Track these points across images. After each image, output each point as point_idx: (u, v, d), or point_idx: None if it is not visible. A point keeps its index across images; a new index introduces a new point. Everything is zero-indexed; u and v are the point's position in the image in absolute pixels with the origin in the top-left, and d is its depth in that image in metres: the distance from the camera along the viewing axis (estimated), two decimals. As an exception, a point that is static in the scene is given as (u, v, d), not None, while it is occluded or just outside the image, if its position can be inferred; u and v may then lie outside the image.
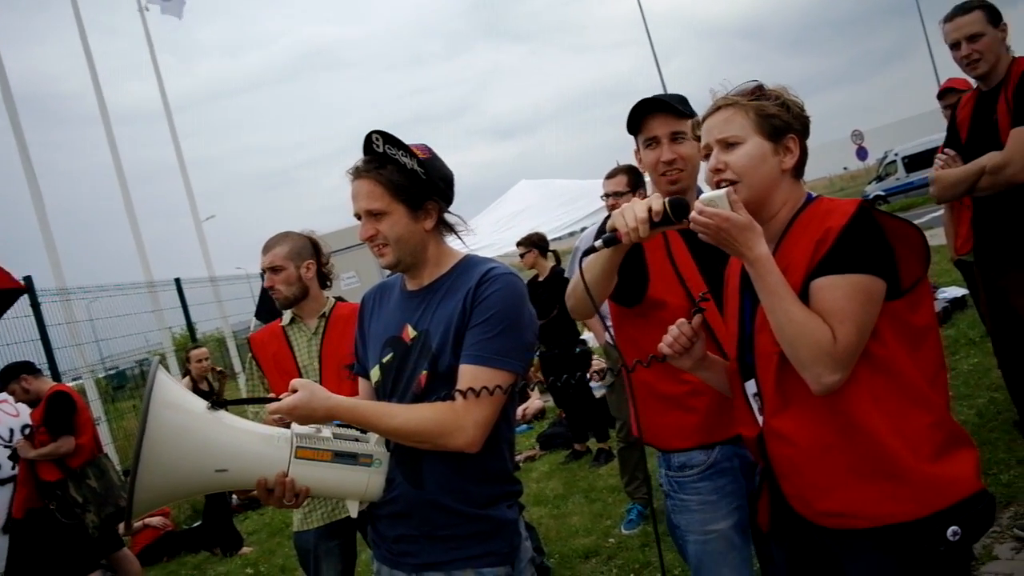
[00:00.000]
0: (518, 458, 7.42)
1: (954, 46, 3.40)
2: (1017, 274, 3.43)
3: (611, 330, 2.49)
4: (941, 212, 5.34)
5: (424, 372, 2.02)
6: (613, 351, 3.41)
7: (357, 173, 2.07)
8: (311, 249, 3.35)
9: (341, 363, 3.11)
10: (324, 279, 3.39)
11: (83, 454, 5.63)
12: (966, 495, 1.69)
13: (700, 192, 2.41)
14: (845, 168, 52.97)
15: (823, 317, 1.67)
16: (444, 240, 2.16)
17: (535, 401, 9.37)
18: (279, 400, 1.92)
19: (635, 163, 2.62)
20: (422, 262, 2.12)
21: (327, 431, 2.00)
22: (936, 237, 10.35)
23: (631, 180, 4.55)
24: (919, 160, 25.99)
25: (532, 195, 17.56)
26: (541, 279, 7.05)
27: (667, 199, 1.80)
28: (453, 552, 2.01)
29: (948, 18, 3.42)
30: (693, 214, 1.73)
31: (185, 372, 7.31)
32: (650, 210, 1.81)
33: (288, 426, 1.99)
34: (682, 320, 1.95)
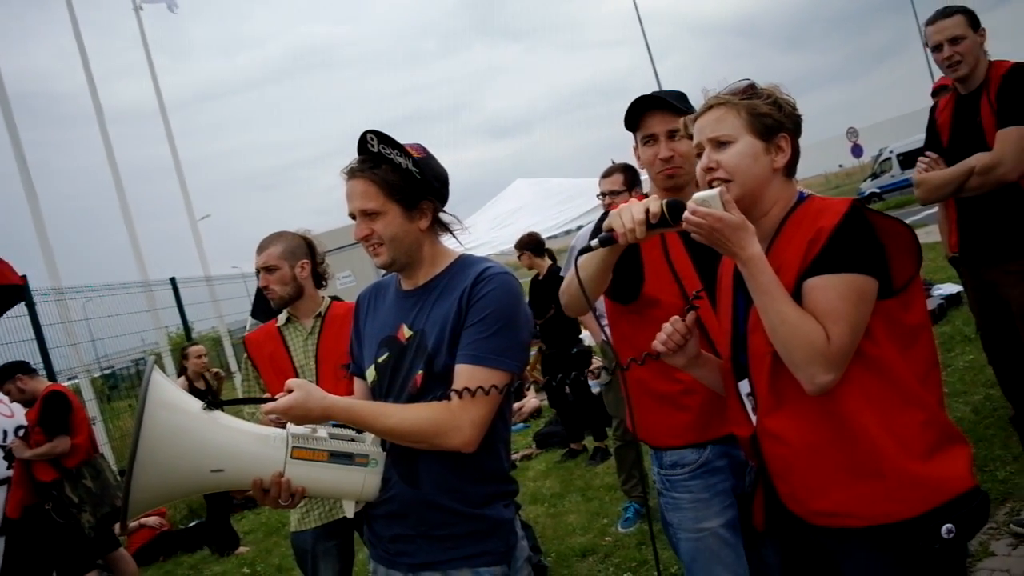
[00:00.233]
0: (514, 457, 7.42)
1: (936, 48, 3.49)
2: (1005, 266, 3.48)
3: (606, 328, 2.49)
4: (936, 209, 5.34)
5: (420, 372, 2.02)
6: (609, 349, 3.42)
7: (352, 173, 2.06)
8: (306, 249, 3.34)
9: (337, 363, 3.10)
10: (319, 279, 3.38)
11: (79, 454, 5.62)
12: (959, 493, 1.70)
13: None
14: (840, 165, 53.07)
15: (816, 317, 1.67)
16: (439, 240, 2.16)
17: (531, 400, 9.37)
18: (275, 400, 1.92)
19: (631, 160, 2.62)
20: (417, 262, 2.11)
21: (323, 431, 2.00)
22: (931, 234, 10.36)
23: (627, 179, 4.55)
24: (914, 157, 25.89)
25: (528, 193, 17.53)
26: (541, 278, 7.06)
27: (665, 201, 1.80)
28: (449, 551, 2.01)
29: (931, 21, 3.53)
30: (686, 214, 1.73)
31: (181, 371, 7.27)
32: (647, 212, 1.81)
33: (284, 426, 1.98)
34: (675, 318, 1.95)
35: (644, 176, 4.63)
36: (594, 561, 4.72)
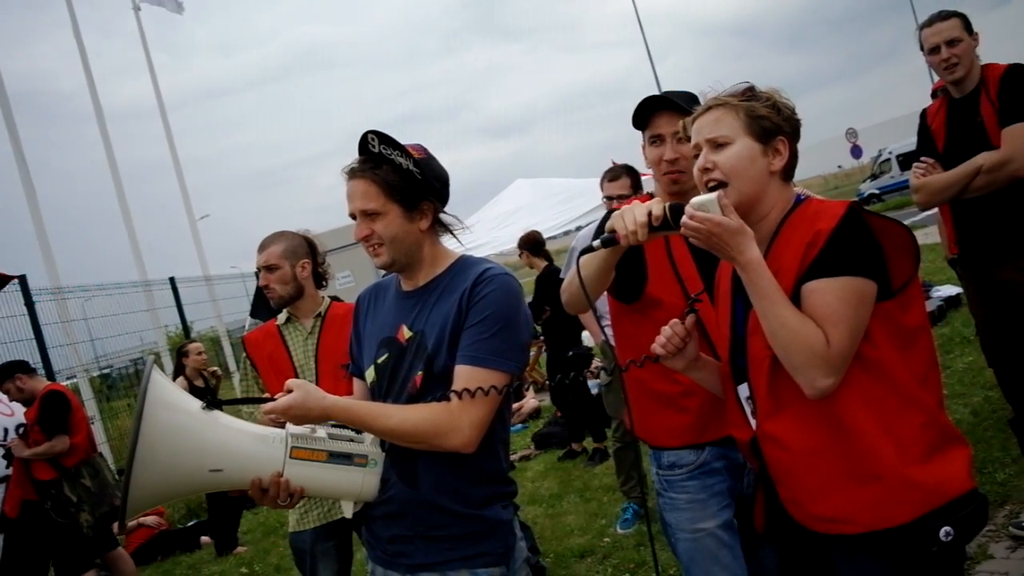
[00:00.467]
0: (513, 457, 7.42)
1: (933, 50, 3.51)
2: (1018, 263, 3.48)
3: (607, 329, 2.49)
4: (935, 211, 5.34)
5: (420, 373, 2.02)
6: (609, 350, 3.43)
7: (352, 173, 2.06)
8: (307, 248, 3.34)
9: (337, 363, 3.10)
10: (320, 278, 3.38)
11: (77, 453, 5.62)
12: (957, 495, 1.69)
13: None
14: (839, 166, 53.09)
15: (815, 321, 1.67)
16: (440, 240, 2.16)
17: (530, 400, 9.38)
18: (274, 400, 1.92)
19: (634, 159, 2.63)
20: (417, 262, 2.11)
21: (322, 431, 2.00)
22: (930, 235, 10.37)
23: (634, 181, 4.55)
24: (914, 158, 25.99)
25: (528, 194, 17.51)
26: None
27: (667, 204, 1.80)
28: (448, 552, 2.01)
29: (927, 24, 3.55)
30: (684, 219, 1.73)
31: (178, 371, 7.26)
32: (650, 214, 1.81)
33: (283, 426, 1.98)
34: (675, 321, 1.95)
35: (644, 177, 4.65)
36: (592, 562, 4.71)
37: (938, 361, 1.84)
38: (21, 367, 5.83)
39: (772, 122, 1.82)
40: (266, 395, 2.95)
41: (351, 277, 9.15)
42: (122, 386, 14.27)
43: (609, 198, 4.58)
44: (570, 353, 6.91)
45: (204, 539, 7.72)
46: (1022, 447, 3.87)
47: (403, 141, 2.05)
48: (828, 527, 1.76)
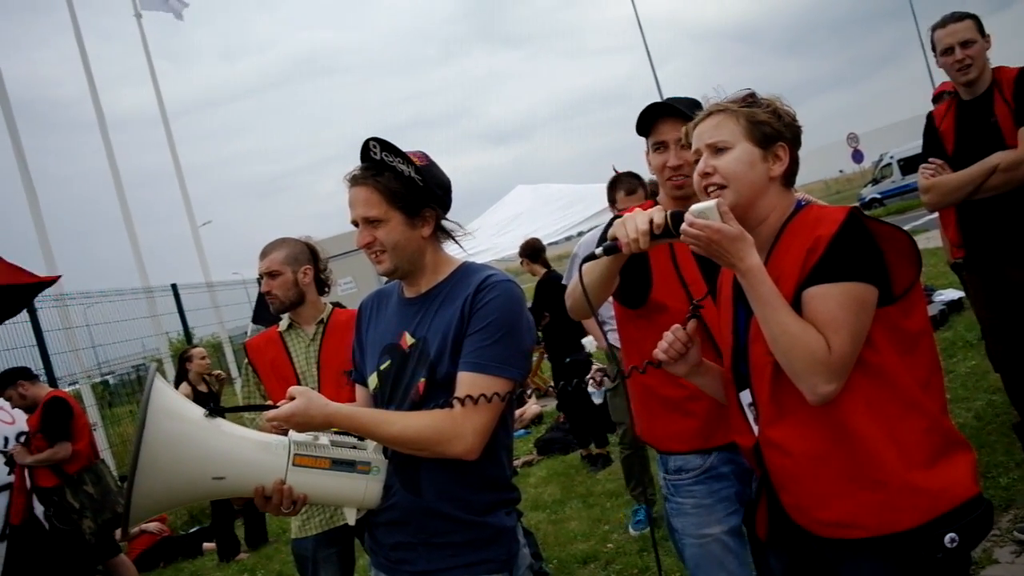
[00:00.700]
0: (515, 463, 7.40)
1: (946, 51, 3.49)
2: None
3: (608, 336, 2.50)
4: (937, 215, 5.35)
5: (422, 379, 2.02)
6: (613, 355, 3.43)
7: (354, 180, 2.06)
8: (308, 254, 3.34)
9: (339, 369, 3.10)
10: (322, 285, 3.38)
11: (80, 460, 5.63)
12: (962, 500, 1.69)
13: None
14: (841, 171, 53.11)
15: (816, 327, 1.67)
16: (442, 247, 2.16)
17: (532, 406, 9.37)
18: (277, 407, 1.92)
19: (633, 166, 2.63)
20: (419, 269, 2.11)
21: (325, 438, 2.00)
22: (931, 240, 10.37)
23: (647, 191, 4.52)
24: (915, 163, 25.89)
25: (529, 200, 17.54)
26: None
27: (669, 212, 1.80)
28: (451, 559, 2.01)
29: (941, 24, 3.53)
30: (684, 226, 1.73)
31: (181, 377, 7.26)
32: (651, 222, 1.81)
33: (286, 433, 1.98)
34: (677, 326, 1.95)
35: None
36: (596, 568, 4.70)
37: (941, 366, 1.83)
38: (23, 374, 5.84)
39: (772, 128, 1.83)
40: (269, 402, 2.95)
41: (353, 283, 9.16)
42: (124, 392, 14.27)
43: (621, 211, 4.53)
44: (567, 360, 6.92)
45: (206, 545, 7.72)
46: (1026, 451, 3.87)
47: (405, 148, 2.05)
48: (833, 532, 1.75)
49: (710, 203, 1.72)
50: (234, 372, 12.84)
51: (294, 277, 3.26)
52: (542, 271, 7.12)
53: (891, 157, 29.75)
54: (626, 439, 5.10)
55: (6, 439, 5.61)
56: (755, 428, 1.86)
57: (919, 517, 1.67)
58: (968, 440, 1.80)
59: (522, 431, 8.86)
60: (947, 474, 1.70)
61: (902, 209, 23.81)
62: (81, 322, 9.92)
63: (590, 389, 7.60)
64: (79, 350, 9.39)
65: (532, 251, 7.18)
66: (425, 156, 2.10)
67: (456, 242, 2.18)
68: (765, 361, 1.77)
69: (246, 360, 3.45)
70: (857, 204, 2.14)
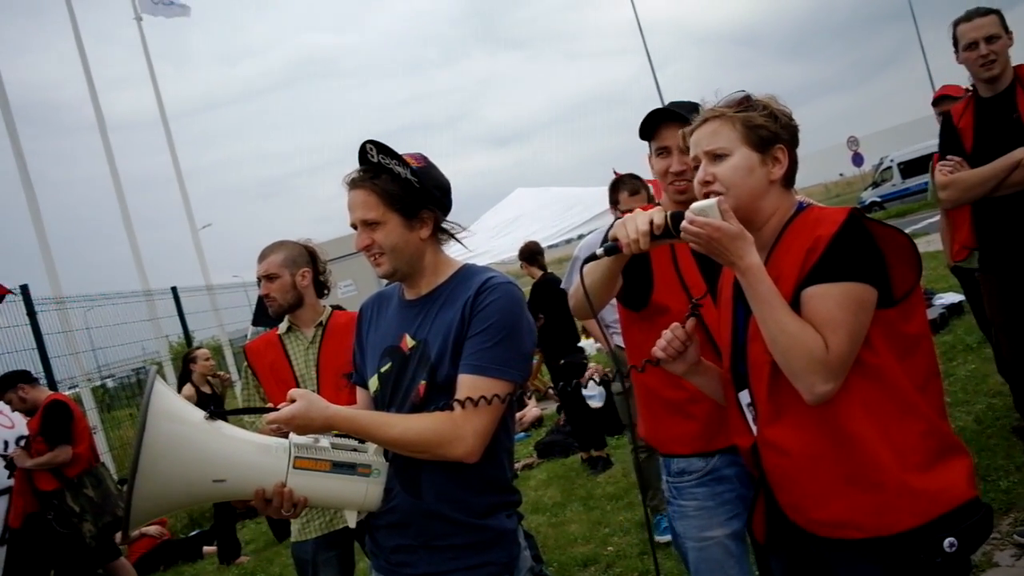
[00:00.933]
0: (516, 466, 7.40)
1: (970, 46, 3.43)
2: None
3: (615, 336, 2.50)
4: (938, 219, 5.35)
5: (423, 382, 2.02)
6: (615, 357, 3.43)
7: (353, 183, 2.08)
8: (307, 257, 3.34)
9: (338, 372, 3.10)
10: (321, 287, 3.38)
11: (80, 463, 5.63)
12: (958, 504, 1.69)
13: None
14: (841, 174, 53.09)
15: (815, 326, 1.67)
16: (442, 249, 2.16)
17: (532, 409, 9.36)
18: (277, 410, 1.92)
19: (634, 169, 2.64)
20: (419, 271, 2.11)
21: (325, 441, 2.00)
22: (932, 243, 10.37)
23: (648, 193, 4.54)
24: (915, 166, 26.10)
25: (529, 202, 17.58)
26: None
27: (669, 213, 1.81)
28: (451, 562, 2.00)
29: (966, 19, 3.47)
30: (684, 223, 1.73)
31: (184, 379, 7.26)
32: (651, 223, 1.81)
33: (286, 436, 1.98)
34: (675, 324, 1.96)
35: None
36: (596, 571, 4.70)
37: (940, 369, 1.83)
38: (23, 377, 5.84)
39: (769, 131, 1.82)
40: (269, 405, 2.95)
41: (353, 286, 9.16)
42: (124, 396, 14.26)
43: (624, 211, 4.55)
44: (561, 362, 6.94)
45: (207, 549, 7.72)
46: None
47: (405, 150, 2.06)
48: (830, 532, 1.76)
49: (711, 201, 1.72)
50: (234, 375, 12.85)
51: (292, 280, 3.26)
52: (539, 273, 7.15)
53: (891, 160, 29.74)
54: (643, 440, 5.08)
55: (6, 443, 5.62)
56: (754, 428, 1.86)
57: (916, 519, 1.67)
58: (968, 443, 1.80)
59: (522, 434, 8.85)
60: (944, 477, 1.70)
61: (902, 212, 23.81)
62: (81, 325, 9.92)
63: (586, 392, 7.62)
64: (79, 353, 9.39)
65: (529, 254, 7.23)
66: (423, 158, 2.10)
67: (459, 242, 2.18)
68: (763, 361, 1.78)
69: (245, 363, 3.45)
70: (857, 207, 2.12)
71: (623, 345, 2.70)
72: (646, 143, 2.51)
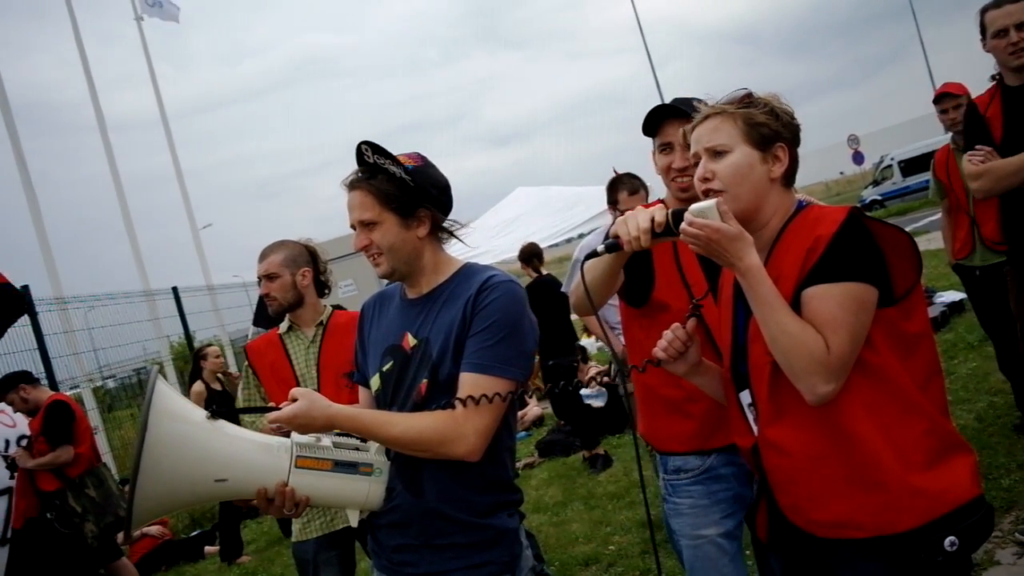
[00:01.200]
0: (517, 465, 7.40)
1: (999, 33, 3.34)
2: None
3: (615, 339, 2.50)
4: (938, 216, 5.35)
5: (424, 380, 2.02)
6: (615, 357, 3.44)
7: (350, 185, 2.09)
8: (307, 257, 3.35)
9: (339, 372, 3.11)
10: (322, 287, 3.39)
11: (82, 464, 5.63)
12: (962, 503, 1.68)
13: None
14: (841, 173, 53.08)
15: (815, 327, 1.66)
16: (442, 248, 2.16)
17: (533, 408, 9.36)
18: (279, 409, 1.92)
19: (635, 167, 2.64)
20: (418, 270, 2.12)
21: (327, 440, 2.00)
22: (933, 241, 10.36)
23: (647, 192, 4.54)
24: (915, 164, 26.11)
25: (529, 202, 17.53)
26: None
27: (670, 211, 1.81)
28: (453, 561, 2.01)
29: (995, 5, 3.37)
30: (683, 225, 1.73)
31: (195, 376, 7.28)
32: (653, 220, 1.81)
33: (287, 435, 1.98)
34: (676, 325, 1.95)
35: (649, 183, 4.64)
36: (597, 570, 4.70)
37: (941, 368, 1.83)
38: (24, 377, 5.84)
39: (771, 128, 1.82)
40: (270, 404, 2.95)
41: (354, 286, 9.16)
42: (125, 396, 14.26)
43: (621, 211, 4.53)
44: (549, 363, 6.96)
45: (208, 549, 7.73)
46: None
47: (404, 150, 2.08)
48: (830, 532, 1.75)
49: (710, 202, 1.72)
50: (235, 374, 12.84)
51: (292, 279, 3.27)
52: (534, 275, 7.24)
53: (892, 159, 29.75)
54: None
55: (7, 442, 5.62)
56: (755, 428, 1.86)
57: (918, 519, 1.66)
58: (969, 442, 1.80)
59: (523, 433, 8.86)
60: (947, 476, 1.69)
61: (903, 211, 23.81)
62: (82, 325, 9.91)
63: (585, 391, 7.63)
64: (80, 354, 9.39)
65: (526, 255, 7.35)
66: (420, 157, 2.11)
67: (459, 239, 2.18)
68: (764, 361, 1.77)
69: (246, 363, 3.45)
70: (858, 205, 2.11)
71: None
72: (648, 142, 2.51)
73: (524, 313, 2.03)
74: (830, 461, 1.73)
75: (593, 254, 2.00)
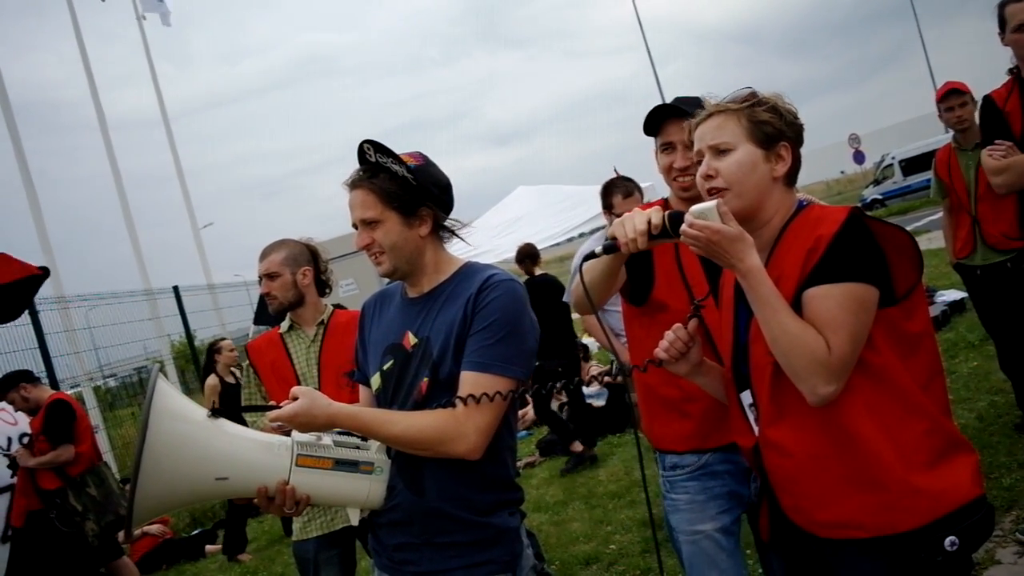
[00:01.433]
0: (518, 464, 7.40)
1: (1020, 27, 3.30)
2: None
3: (611, 338, 2.51)
4: (939, 216, 5.34)
5: (425, 379, 2.02)
6: (616, 357, 3.44)
7: (352, 184, 2.09)
8: (308, 255, 3.35)
9: (339, 370, 3.10)
10: (323, 286, 3.39)
11: (82, 462, 5.63)
12: (963, 502, 1.68)
13: None
14: (842, 172, 53.06)
15: (816, 327, 1.66)
16: (443, 247, 2.16)
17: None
18: (280, 408, 1.92)
19: (636, 166, 2.64)
20: (419, 269, 2.12)
21: (328, 439, 2.00)
22: (933, 241, 10.36)
23: (642, 194, 4.51)
24: (916, 163, 26.11)
25: (530, 201, 17.54)
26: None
27: (666, 213, 1.80)
28: (454, 560, 2.00)
29: None
30: (683, 227, 1.72)
31: (208, 369, 7.28)
32: (649, 222, 1.81)
33: (288, 434, 1.98)
34: (678, 325, 1.95)
35: (646, 184, 4.64)
36: (598, 569, 4.70)
37: (943, 367, 1.83)
38: (25, 376, 5.85)
39: (774, 127, 1.82)
40: (271, 403, 2.95)
41: (355, 285, 9.16)
42: (126, 395, 14.27)
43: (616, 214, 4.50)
44: (536, 363, 6.93)
45: (209, 547, 7.73)
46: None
47: (405, 149, 2.07)
48: (832, 532, 1.75)
49: (710, 203, 1.72)
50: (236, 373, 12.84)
51: (293, 278, 3.27)
52: (526, 276, 7.26)
53: (893, 158, 29.73)
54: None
55: (9, 441, 5.62)
56: (756, 429, 1.86)
57: (919, 519, 1.66)
58: (970, 441, 1.80)
59: (524, 432, 8.86)
60: (948, 476, 1.69)
61: (904, 210, 23.80)
62: (83, 324, 9.93)
63: (588, 390, 7.64)
64: (81, 352, 9.41)
65: (521, 255, 7.40)
66: (422, 156, 2.11)
67: (461, 238, 2.18)
68: (765, 362, 1.77)
69: (247, 362, 3.46)
70: (859, 205, 2.10)
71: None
72: (649, 141, 2.51)
73: (525, 312, 2.03)
74: (831, 461, 1.72)
75: (592, 255, 2.00)
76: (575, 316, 6.57)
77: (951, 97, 4.68)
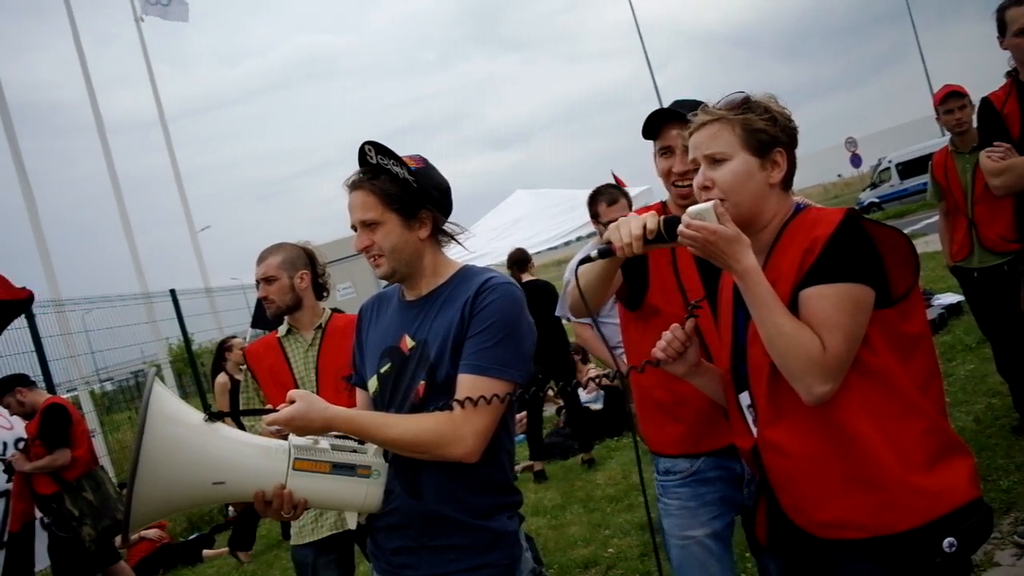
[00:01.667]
0: (516, 468, 7.39)
1: (1021, 32, 3.29)
2: None
3: (607, 340, 2.51)
4: (936, 219, 5.35)
5: (422, 382, 2.02)
6: (615, 360, 3.44)
7: (352, 185, 2.08)
8: (305, 259, 3.34)
9: (337, 374, 3.10)
10: (320, 289, 3.38)
11: (79, 467, 5.62)
12: (961, 504, 1.68)
13: None
14: (839, 175, 53.19)
15: (812, 327, 1.67)
16: (442, 250, 2.16)
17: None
18: (277, 411, 1.92)
19: (636, 168, 2.65)
20: (418, 272, 2.11)
21: (325, 442, 1.99)
22: (930, 244, 10.38)
23: (629, 201, 4.52)
24: (913, 167, 26.13)
25: (528, 204, 17.57)
26: None
27: (662, 218, 1.80)
28: (452, 564, 2.00)
29: (1017, 3, 3.32)
30: (680, 228, 1.73)
31: (218, 367, 7.26)
32: (644, 227, 1.81)
33: (285, 437, 1.98)
34: (675, 325, 1.95)
35: (644, 187, 4.64)
36: (596, 573, 4.70)
37: (940, 369, 1.83)
38: (21, 380, 5.83)
39: (769, 134, 1.81)
40: (268, 406, 2.95)
41: (352, 288, 9.16)
42: (122, 399, 14.25)
43: (604, 223, 4.50)
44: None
45: (206, 552, 7.71)
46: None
47: (403, 151, 2.07)
48: (830, 532, 1.75)
49: (707, 204, 1.72)
50: (234, 377, 12.82)
51: (290, 282, 3.26)
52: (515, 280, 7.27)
53: (889, 161, 29.75)
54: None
55: (5, 445, 5.62)
56: (754, 430, 1.86)
57: (917, 519, 1.66)
58: (968, 444, 1.80)
59: (521, 436, 8.84)
60: (946, 477, 1.69)
61: (901, 213, 23.83)
62: (79, 328, 9.92)
63: (585, 394, 7.64)
64: (77, 356, 9.39)
65: (511, 261, 7.40)
66: (422, 159, 2.11)
67: (458, 242, 2.18)
68: (763, 362, 1.77)
69: (245, 366, 3.45)
70: (855, 207, 2.10)
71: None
72: (648, 144, 2.51)
73: (522, 315, 2.03)
74: (829, 462, 1.73)
75: (587, 259, 2.01)
76: (566, 323, 6.57)
77: (950, 99, 4.68)
